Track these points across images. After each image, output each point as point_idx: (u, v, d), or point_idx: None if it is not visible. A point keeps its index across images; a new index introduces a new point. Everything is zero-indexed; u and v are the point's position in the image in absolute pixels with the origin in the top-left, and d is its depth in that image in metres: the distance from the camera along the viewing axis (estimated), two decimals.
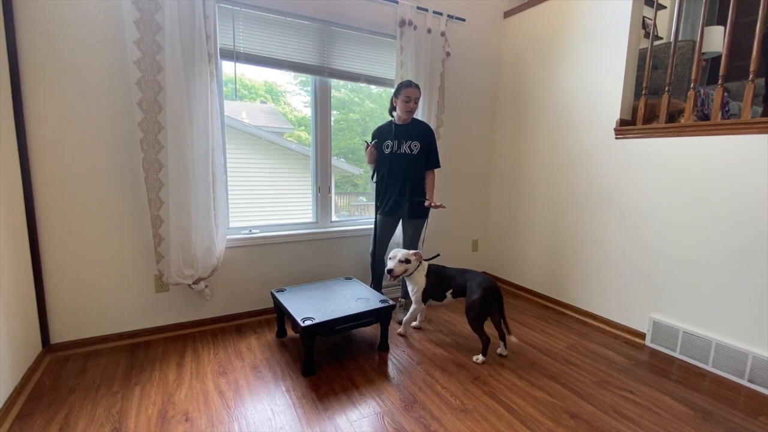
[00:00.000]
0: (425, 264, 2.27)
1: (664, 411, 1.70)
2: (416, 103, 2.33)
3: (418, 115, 2.72)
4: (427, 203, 2.36)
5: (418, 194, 2.41)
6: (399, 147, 2.38)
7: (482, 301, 2.00)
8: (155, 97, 1.96)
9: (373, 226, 2.74)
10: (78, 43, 1.89)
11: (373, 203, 2.93)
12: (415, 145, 2.36)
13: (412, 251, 2.22)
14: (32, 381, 1.78)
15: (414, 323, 2.46)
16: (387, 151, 2.41)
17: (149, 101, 1.95)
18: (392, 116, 2.45)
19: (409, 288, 2.25)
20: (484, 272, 3.54)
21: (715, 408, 1.73)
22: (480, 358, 2.06)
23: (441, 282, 2.21)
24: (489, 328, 2.31)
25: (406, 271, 2.19)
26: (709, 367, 2.04)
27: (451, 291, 2.18)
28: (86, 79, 1.93)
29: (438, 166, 2.45)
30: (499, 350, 2.15)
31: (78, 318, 2.06)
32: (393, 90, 2.75)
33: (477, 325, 2.04)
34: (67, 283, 2.01)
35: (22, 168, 1.83)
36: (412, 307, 2.27)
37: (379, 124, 2.53)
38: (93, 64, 1.93)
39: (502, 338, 2.13)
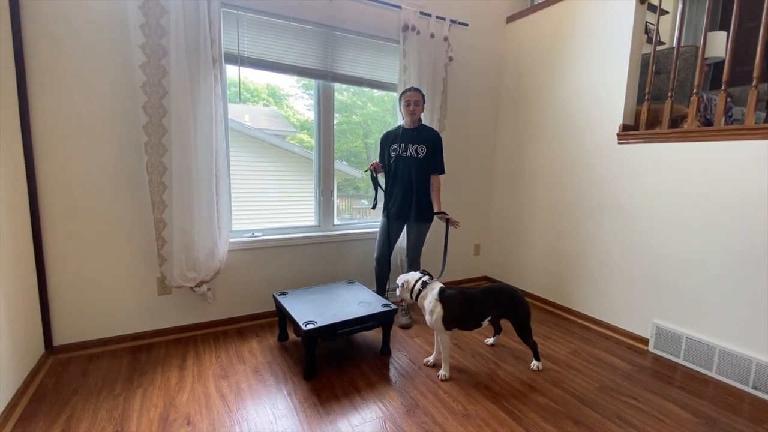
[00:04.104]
0: (436, 287, 1.95)
1: (668, 418, 1.68)
2: (417, 104, 2.37)
3: (423, 118, 2.73)
4: (444, 216, 2.36)
5: (425, 198, 2.43)
6: (405, 150, 2.40)
7: (529, 309, 2.02)
8: (160, 101, 1.98)
9: (377, 230, 2.74)
10: (84, 45, 1.91)
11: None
12: (422, 149, 2.38)
13: (401, 279, 2.02)
14: (35, 383, 1.78)
15: (429, 359, 2.07)
16: (394, 154, 2.44)
17: (154, 105, 1.97)
18: (401, 121, 2.49)
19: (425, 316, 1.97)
20: (486, 277, 3.54)
21: (719, 415, 1.71)
22: (538, 364, 2.04)
23: (471, 309, 1.92)
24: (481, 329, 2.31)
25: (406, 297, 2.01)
26: (712, 374, 2.03)
27: (489, 318, 1.97)
28: (91, 81, 1.94)
29: (442, 171, 2.46)
30: (490, 341, 2.27)
31: (81, 320, 2.06)
32: (396, 94, 2.79)
33: (530, 335, 2.02)
34: (70, 285, 2.02)
35: (27, 169, 1.85)
36: (440, 338, 1.96)
37: (387, 129, 2.57)
38: (98, 66, 1.95)
39: (498, 332, 2.29)
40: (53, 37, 1.85)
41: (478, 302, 1.94)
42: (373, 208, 2.53)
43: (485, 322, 1.96)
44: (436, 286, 1.95)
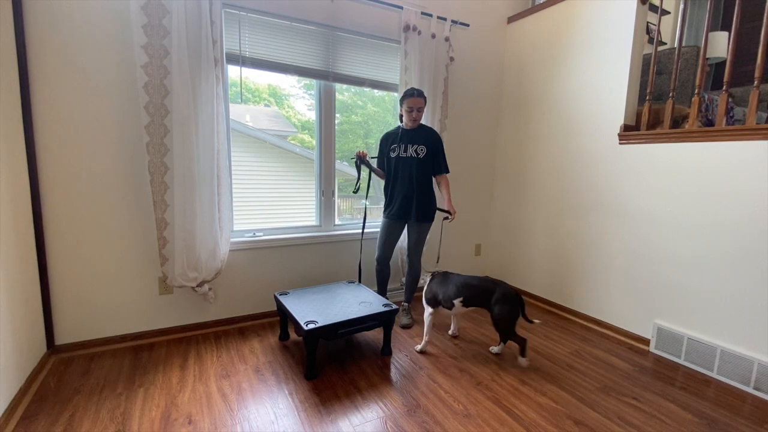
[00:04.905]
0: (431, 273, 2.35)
1: (669, 418, 1.68)
2: (420, 111, 2.34)
3: (423, 118, 2.73)
4: (448, 217, 2.42)
5: (426, 198, 2.43)
6: (405, 150, 2.40)
7: (512, 314, 1.99)
8: (162, 101, 1.98)
9: (377, 230, 2.75)
10: (86, 45, 1.92)
11: (374, 206, 2.94)
12: (422, 149, 2.38)
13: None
14: (37, 382, 1.79)
15: (450, 331, 2.41)
16: (393, 155, 2.44)
17: (156, 105, 1.97)
18: (401, 122, 2.48)
19: None
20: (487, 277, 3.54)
21: (720, 416, 1.71)
22: (524, 360, 2.04)
23: (447, 289, 2.15)
24: (487, 329, 2.32)
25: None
26: (714, 374, 2.02)
27: (461, 300, 2.09)
28: (93, 81, 1.95)
29: (446, 171, 2.46)
30: (495, 349, 2.19)
31: (82, 319, 2.07)
32: (397, 95, 2.79)
33: (512, 334, 2.02)
34: (73, 285, 2.03)
35: (29, 169, 1.85)
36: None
37: (387, 130, 2.57)
38: (100, 66, 1.96)
39: (503, 340, 2.18)
40: (55, 37, 1.86)
41: (453, 283, 2.16)
42: (355, 192, 2.57)
43: (457, 303, 2.11)
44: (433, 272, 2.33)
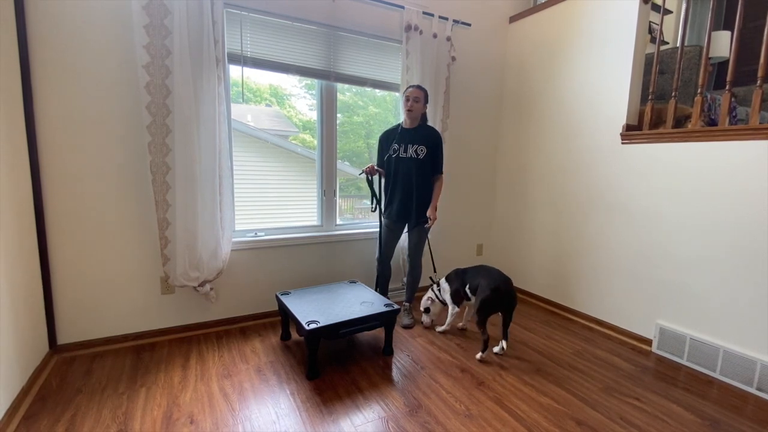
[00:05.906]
0: (443, 279, 2.46)
1: (671, 419, 1.68)
2: (416, 101, 2.34)
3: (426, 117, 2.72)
4: (427, 220, 2.40)
5: (426, 199, 2.42)
6: (405, 150, 2.38)
7: (488, 301, 2.06)
8: (163, 101, 1.99)
9: (378, 230, 2.75)
10: (88, 46, 1.92)
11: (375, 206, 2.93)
12: (422, 150, 2.36)
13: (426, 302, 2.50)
14: (39, 381, 1.79)
15: (459, 324, 2.52)
16: (393, 155, 2.41)
17: (158, 105, 1.98)
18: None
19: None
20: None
21: (723, 416, 1.71)
22: (480, 355, 2.11)
23: (463, 281, 2.32)
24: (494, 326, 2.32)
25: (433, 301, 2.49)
26: (716, 375, 2.02)
27: (468, 286, 2.26)
28: (95, 81, 1.95)
29: (440, 172, 2.45)
30: (495, 349, 2.19)
31: (84, 319, 2.07)
32: (399, 94, 2.79)
33: (479, 323, 2.07)
34: (75, 285, 2.03)
35: (32, 169, 1.86)
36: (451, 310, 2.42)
37: (386, 128, 2.55)
38: (102, 67, 1.96)
39: (505, 338, 2.17)
40: (58, 38, 1.86)
41: (465, 274, 2.32)
42: (373, 210, 2.55)
43: (468, 291, 2.25)
44: (443, 278, 2.44)
